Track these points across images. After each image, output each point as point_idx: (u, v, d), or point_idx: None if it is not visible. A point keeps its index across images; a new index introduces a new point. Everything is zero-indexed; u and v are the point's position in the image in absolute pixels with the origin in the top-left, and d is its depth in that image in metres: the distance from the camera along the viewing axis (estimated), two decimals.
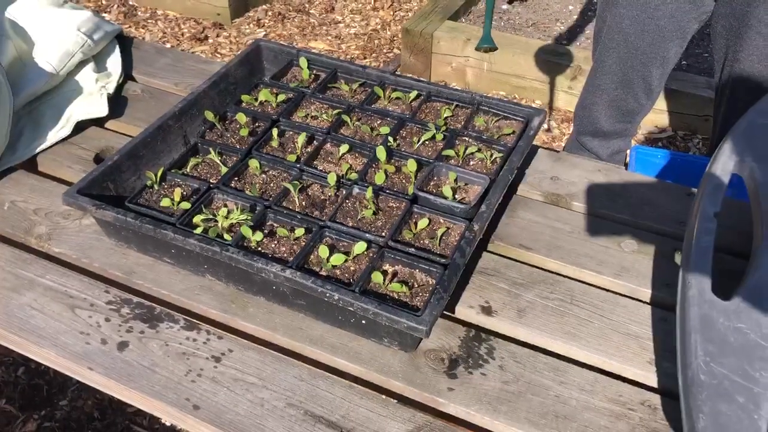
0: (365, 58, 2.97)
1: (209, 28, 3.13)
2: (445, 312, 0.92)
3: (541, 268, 0.99)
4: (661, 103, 2.51)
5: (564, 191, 1.11)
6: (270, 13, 3.25)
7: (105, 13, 3.19)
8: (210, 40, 3.06)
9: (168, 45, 3.01)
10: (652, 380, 0.85)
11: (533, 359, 0.87)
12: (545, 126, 2.55)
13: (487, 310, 0.92)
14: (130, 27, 3.12)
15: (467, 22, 2.99)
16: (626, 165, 1.87)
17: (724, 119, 1.39)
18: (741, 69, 1.29)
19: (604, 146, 1.59)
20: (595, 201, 1.09)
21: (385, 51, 3.02)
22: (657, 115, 2.54)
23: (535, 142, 1.15)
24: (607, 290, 0.96)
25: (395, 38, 3.08)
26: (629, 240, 1.03)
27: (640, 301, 0.94)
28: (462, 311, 0.92)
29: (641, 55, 1.40)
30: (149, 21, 3.18)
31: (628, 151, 1.71)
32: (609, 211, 1.07)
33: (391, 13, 3.28)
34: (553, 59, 2.59)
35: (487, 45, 1.28)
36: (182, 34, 3.10)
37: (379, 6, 3.33)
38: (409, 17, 3.16)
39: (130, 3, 3.28)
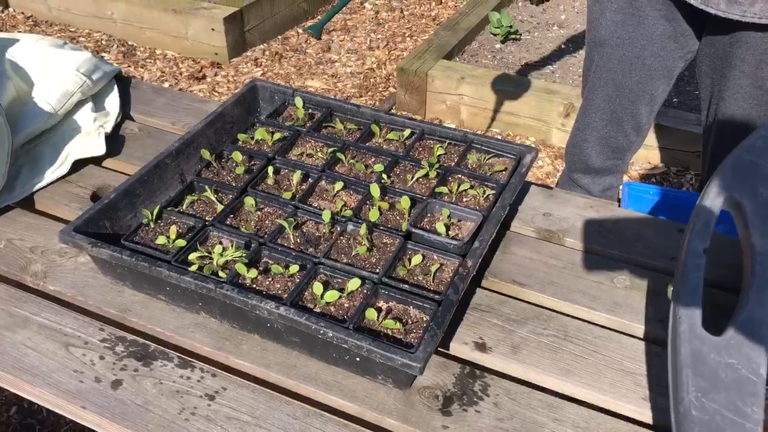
0: (361, 96, 3.01)
1: (207, 67, 3.18)
2: (439, 348, 0.92)
3: (535, 304, 0.99)
4: (653, 140, 2.54)
5: (556, 227, 1.12)
6: (267, 52, 3.31)
7: (104, 52, 3.24)
8: (208, 79, 3.11)
9: (166, 84, 3.05)
10: (647, 416, 0.85)
11: (528, 396, 0.87)
12: (539, 162, 2.58)
13: (481, 347, 0.92)
14: (129, 66, 3.16)
15: (461, 61, 3.04)
16: (619, 201, 1.89)
17: (713, 156, 1.41)
18: (727, 107, 1.32)
19: (595, 183, 1.61)
20: (587, 237, 1.10)
21: (380, 89, 3.06)
22: (650, 152, 2.57)
23: (529, 179, 1.17)
24: (601, 326, 0.96)
25: (391, 77, 3.13)
26: (622, 276, 1.03)
27: (634, 336, 0.95)
28: (456, 348, 0.93)
29: (629, 93, 1.42)
30: (148, 60, 3.23)
31: (620, 188, 1.73)
32: (601, 247, 1.08)
33: (387, 52, 3.33)
34: (545, 96, 2.63)
35: (312, 31, 1.39)
36: (180, 73, 3.14)
37: (375, 46, 3.39)
38: (404, 56, 3.21)
39: (130, 43, 3.33)
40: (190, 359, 0.91)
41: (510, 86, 2.68)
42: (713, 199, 0.90)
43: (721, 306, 0.88)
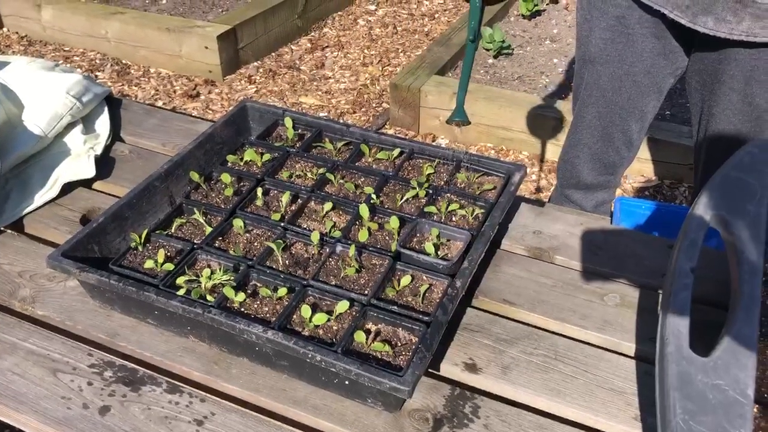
0: (355, 112, 3.02)
1: (201, 85, 3.19)
2: (429, 370, 0.91)
3: (525, 323, 0.99)
4: (646, 153, 2.54)
5: (547, 245, 1.12)
6: (261, 69, 3.31)
7: (99, 71, 3.25)
8: (202, 97, 3.11)
9: (160, 102, 3.06)
10: None
11: (518, 417, 0.86)
12: (532, 177, 2.58)
13: (471, 368, 0.92)
14: (123, 85, 3.17)
15: (454, 77, 3.05)
16: (611, 216, 1.89)
17: (705, 171, 1.41)
18: (717, 123, 1.32)
19: (588, 198, 1.61)
20: (577, 254, 1.10)
21: (374, 105, 3.07)
22: (643, 165, 2.57)
23: (521, 193, 1.17)
24: (591, 345, 0.96)
25: (384, 93, 3.13)
26: (612, 294, 1.03)
27: (624, 355, 0.94)
28: (446, 369, 0.92)
29: (620, 110, 1.43)
30: (142, 79, 3.23)
31: (612, 202, 1.73)
32: (592, 265, 1.08)
33: (380, 68, 3.34)
34: (538, 111, 2.64)
35: (459, 119, 1.10)
36: (174, 91, 3.14)
37: (368, 62, 3.40)
38: (397, 72, 3.22)
39: (124, 62, 3.34)
40: (178, 383, 0.90)
41: (503, 101, 2.69)
42: (701, 216, 0.90)
43: (709, 322, 0.87)
